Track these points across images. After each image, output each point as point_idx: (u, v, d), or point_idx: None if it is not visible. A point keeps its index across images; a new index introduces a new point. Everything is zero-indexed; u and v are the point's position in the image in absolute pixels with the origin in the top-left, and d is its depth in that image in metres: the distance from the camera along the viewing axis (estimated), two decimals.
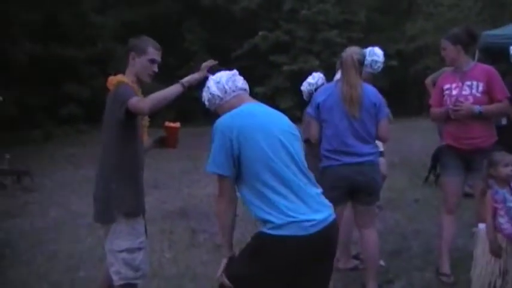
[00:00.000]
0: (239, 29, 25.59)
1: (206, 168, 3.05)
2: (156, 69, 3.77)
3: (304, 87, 5.95)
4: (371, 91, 4.49)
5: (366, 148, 4.43)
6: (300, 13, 24.75)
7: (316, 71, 6.22)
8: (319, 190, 3.12)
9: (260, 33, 24.33)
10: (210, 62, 3.61)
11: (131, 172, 3.67)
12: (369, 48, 5.24)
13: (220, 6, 25.28)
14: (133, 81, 3.67)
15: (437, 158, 8.41)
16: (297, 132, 3.22)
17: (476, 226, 4.32)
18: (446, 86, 4.90)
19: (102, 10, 22.86)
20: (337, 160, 4.43)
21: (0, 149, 12.60)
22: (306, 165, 3.16)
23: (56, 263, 5.87)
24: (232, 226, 3.12)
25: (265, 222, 2.90)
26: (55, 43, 20.10)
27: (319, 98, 4.59)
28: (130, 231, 3.62)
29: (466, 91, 4.79)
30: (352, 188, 4.39)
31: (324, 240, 2.95)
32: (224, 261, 3.09)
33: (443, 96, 4.90)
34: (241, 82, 3.27)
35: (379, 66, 5.24)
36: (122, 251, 3.59)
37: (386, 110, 4.55)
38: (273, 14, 25.64)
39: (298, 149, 3.16)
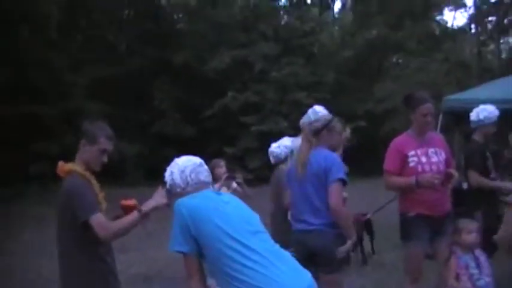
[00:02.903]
0: (209, 88, 25.76)
1: (169, 247, 3.09)
2: (106, 159, 3.68)
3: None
4: (322, 154, 4.38)
5: (313, 217, 4.32)
6: (269, 74, 25.07)
7: (285, 132, 6.26)
8: (291, 260, 3.13)
9: (230, 93, 24.52)
10: (160, 193, 3.57)
11: (101, 261, 3.65)
12: (310, 110, 5.26)
13: (191, 65, 25.48)
14: (85, 168, 3.62)
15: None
16: (252, 211, 3.28)
17: None
18: (411, 153, 4.80)
19: (74, 67, 22.88)
20: (295, 226, 4.48)
21: None
22: (269, 236, 3.21)
23: None
24: None
25: None
26: (25, 100, 20.00)
27: (288, 168, 4.75)
28: None
29: (434, 158, 4.82)
30: (307, 256, 4.15)
31: None
32: None
33: (408, 163, 4.79)
34: (204, 174, 3.34)
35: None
36: None
37: (337, 174, 4.28)
38: (243, 75, 25.93)
39: (257, 223, 3.20)
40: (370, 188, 15.37)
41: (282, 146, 5.89)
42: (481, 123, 5.88)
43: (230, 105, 24.56)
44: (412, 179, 4.67)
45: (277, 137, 6.36)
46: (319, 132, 4.49)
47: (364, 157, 22.27)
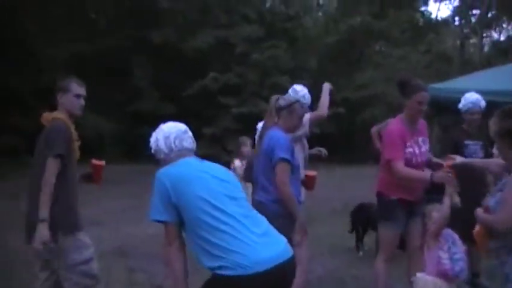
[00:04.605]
0: (190, 68, 25.52)
1: (149, 217, 3.10)
2: (83, 102, 4.20)
3: None
4: (270, 134, 4.57)
5: (262, 192, 4.55)
6: (251, 57, 24.94)
7: (264, 115, 6.24)
8: (267, 226, 3.15)
9: (211, 74, 24.36)
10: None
11: (70, 194, 4.03)
12: (291, 88, 5.36)
13: (171, 44, 25.20)
14: (66, 116, 4.10)
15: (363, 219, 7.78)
16: (233, 178, 3.34)
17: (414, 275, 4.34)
18: (408, 143, 4.76)
19: (52, 42, 22.52)
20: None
21: None
22: (247, 202, 3.25)
23: None
24: (185, 274, 3.12)
25: (213, 266, 2.90)
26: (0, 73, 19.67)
27: None
28: (80, 244, 4.00)
29: (423, 148, 4.85)
30: None
31: (278, 277, 2.96)
32: None
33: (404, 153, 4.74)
34: (188, 141, 3.38)
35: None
36: (77, 264, 3.95)
37: (278, 155, 4.41)
38: (225, 56, 25.77)
39: (237, 190, 3.22)
40: (343, 176, 15.40)
41: None
42: (461, 112, 5.96)
43: (210, 85, 24.40)
44: (426, 175, 4.57)
45: (256, 119, 6.35)
46: (280, 110, 4.67)
47: (340, 146, 22.30)
